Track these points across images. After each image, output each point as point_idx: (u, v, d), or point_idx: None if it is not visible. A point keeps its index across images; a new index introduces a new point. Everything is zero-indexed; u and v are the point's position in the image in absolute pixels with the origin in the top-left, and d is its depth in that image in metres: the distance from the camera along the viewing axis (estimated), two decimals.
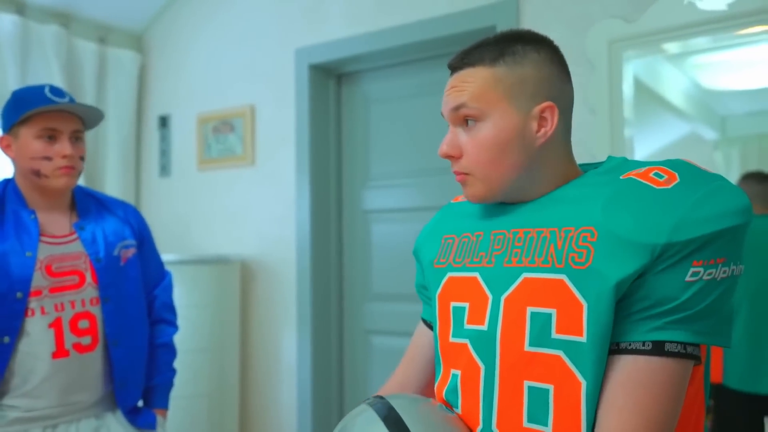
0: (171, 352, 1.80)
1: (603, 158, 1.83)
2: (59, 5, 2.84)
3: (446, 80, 1.18)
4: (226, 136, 2.88)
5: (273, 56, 2.75)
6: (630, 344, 0.80)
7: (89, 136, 2.93)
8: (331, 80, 2.71)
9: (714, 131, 1.76)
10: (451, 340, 0.96)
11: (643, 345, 0.79)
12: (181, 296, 2.45)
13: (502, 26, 2.13)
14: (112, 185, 3.04)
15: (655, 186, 0.82)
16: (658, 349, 0.79)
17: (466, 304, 0.94)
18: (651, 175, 0.84)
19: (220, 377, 2.62)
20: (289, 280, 2.66)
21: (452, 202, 1.11)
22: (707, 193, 0.81)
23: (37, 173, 1.53)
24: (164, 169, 3.11)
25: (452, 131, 0.96)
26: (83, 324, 1.58)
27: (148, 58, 3.19)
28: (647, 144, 1.79)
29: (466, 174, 0.94)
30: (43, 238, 1.57)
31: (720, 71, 1.77)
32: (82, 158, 1.59)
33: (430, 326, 1.07)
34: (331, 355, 2.66)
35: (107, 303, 1.61)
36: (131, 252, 1.70)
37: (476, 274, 0.94)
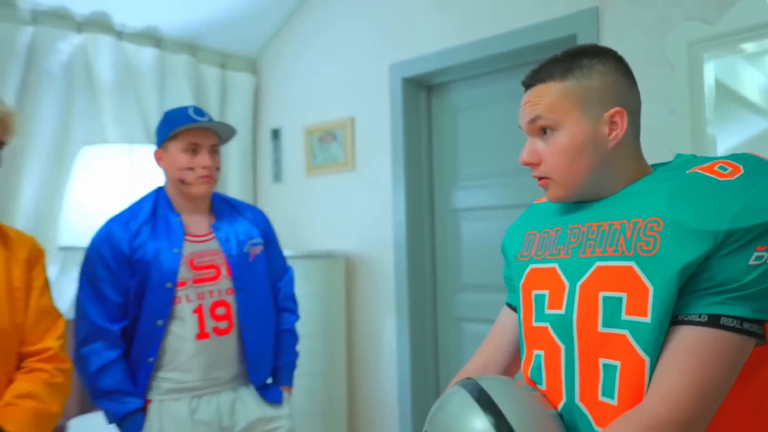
0: (294, 337, 1.88)
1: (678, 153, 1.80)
2: (188, 38, 2.99)
3: (522, 89, 1.19)
4: (329, 145, 2.94)
5: (369, 72, 2.79)
6: (687, 316, 0.80)
7: None
8: (422, 91, 2.72)
9: None
10: (534, 324, 0.98)
11: (699, 317, 0.79)
12: (295, 287, 2.57)
13: (583, 35, 2.09)
14: (234, 191, 3.16)
15: (719, 178, 0.82)
16: (713, 321, 0.78)
17: (546, 292, 0.96)
18: (716, 168, 0.84)
19: (330, 359, 2.69)
20: (388, 272, 2.69)
21: (535, 203, 1.13)
22: None
23: (183, 181, 1.65)
24: (277, 176, 3.20)
25: (530, 141, 0.98)
26: (220, 311, 1.67)
27: (261, 79, 3.29)
28: (727, 141, 1.71)
29: (547, 178, 0.97)
30: (187, 237, 1.68)
31: None
32: (218, 168, 1.70)
33: (514, 309, 1.10)
34: (426, 341, 2.68)
35: (240, 293, 1.70)
36: (258, 249, 1.78)
37: (555, 265, 0.96)
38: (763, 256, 0.78)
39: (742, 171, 0.82)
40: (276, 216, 3.17)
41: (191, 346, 1.63)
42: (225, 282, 1.69)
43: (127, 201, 2.09)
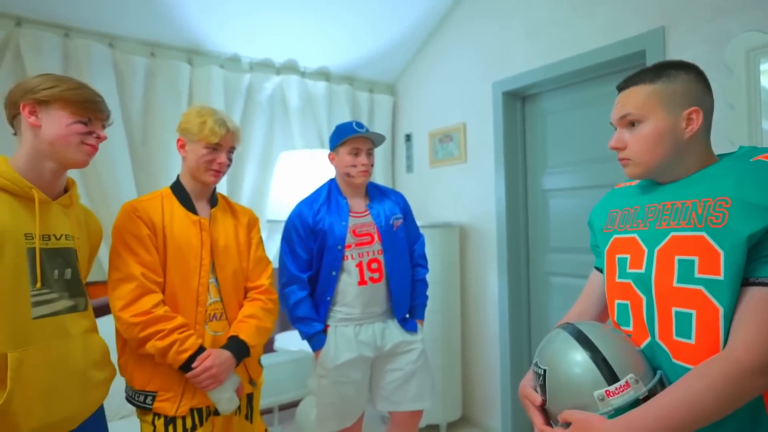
0: (424, 284, 1.91)
1: (743, 144, 1.65)
2: (347, 72, 3.06)
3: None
4: (447, 144, 2.92)
5: (477, 88, 2.76)
6: (758, 279, 0.77)
7: None
8: (517, 101, 2.66)
9: None
10: (617, 280, 0.95)
11: None
12: (425, 249, 2.59)
13: (651, 50, 1.95)
14: (379, 179, 3.20)
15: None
16: None
17: (628, 256, 0.93)
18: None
19: (448, 301, 2.68)
20: (491, 238, 2.67)
21: (615, 187, 1.09)
22: None
23: (348, 175, 1.75)
24: (409, 168, 3.20)
25: (619, 132, 0.95)
26: (374, 266, 1.75)
27: (397, 98, 3.31)
28: None
29: (628, 159, 0.93)
30: (351, 213, 1.76)
31: None
32: (372, 165, 1.79)
33: (601, 271, 1.08)
34: (521, 291, 2.64)
35: (387, 254, 1.77)
36: (399, 222, 1.83)
37: (635, 235, 0.93)
38: None
39: None
40: (409, 197, 3.19)
41: (355, 290, 1.72)
42: (377, 245, 1.76)
43: (310, 189, 2.18)
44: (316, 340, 1.69)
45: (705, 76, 0.91)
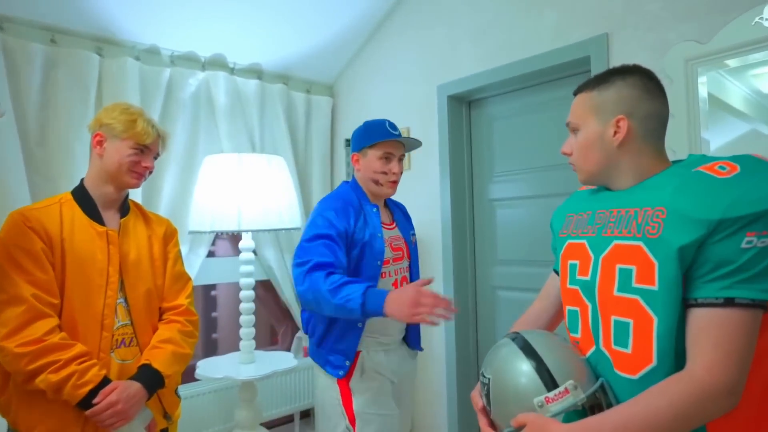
0: None
1: (682, 153, 1.75)
2: (282, 70, 3.02)
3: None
4: None
5: (421, 91, 2.78)
6: (698, 300, 0.79)
7: (301, 154, 3.10)
8: (463, 106, 2.70)
9: None
10: (568, 286, 1.01)
11: (716, 299, 0.78)
12: None
13: (595, 57, 2.04)
14: (316, 187, 3.14)
15: (716, 176, 0.81)
16: (729, 302, 0.77)
17: (577, 262, 0.99)
18: (716, 167, 0.83)
19: None
20: (437, 248, 2.68)
21: (578, 190, 1.14)
22: (760, 179, 0.79)
23: (376, 182, 1.59)
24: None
25: (569, 138, 1.02)
26: (405, 283, 1.65)
27: (336, 100, 3.30)
28: (717, 141, 1.65)
29: (573, 165, 1.01)
30: (383, 225, 1.63)
31: None
32: (401, 173, 1.64)
33: (558, 274, 1.13)
34: (468, 306, 2.66)
35: (413, 274, 1.70)
36: (415, 238, 1.77)
37: (584, 241, 0.98)
38: (752, 241, 0.76)
39: (739, 170, 0.81)
40: None
41: None
42: (406, 262, 1.68)
43: (240, 197, 2.18)
44: (372, 295, 1.29)
45: (650, 81, 0.94)
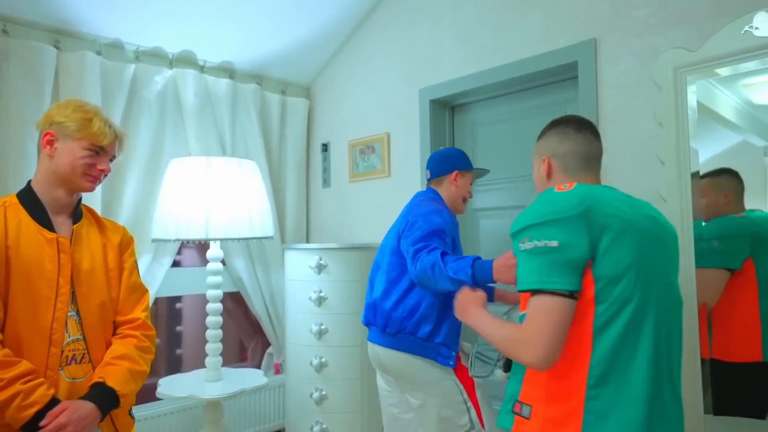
0: None
1: (671, 163, 1.77)
2: (255, 70, 3.01)
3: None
4: (368, 156, 2.93)
5: (402, 95, 2.78)
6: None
7: (275, 158, 3.09)
8: (446, 110, 2.71)
9: (763, 140, 1.61)
10: None
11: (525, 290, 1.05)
12: (340, 273, 2.53)
13: (583, 62, 2.06)
14: (291, 193, 3.15)
15: (527, 205, 1.11)
16: (530, 291, 1.03)
17: None
18: (533, 199, 1.12)
19: (364, 330, 2.61)
20: None
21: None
22: (527, 208, 1.09)
23: (464, 200, 1.95)
24: (325, 182, 3.19)
25: None
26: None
27: (313, 102, 3.30)
28: (706, 152, 1.68)
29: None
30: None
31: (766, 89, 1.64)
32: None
33: None
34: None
35: None
36: None
37: None
38: (518, 246, 1.07)
39: (532, 203, 1.10)
40: (325, 215, 3.18)
41: None
42: None
43: (208, 203, 2.15)
44: (481, 266, 1.50)
45: (568, 127, 1.25)
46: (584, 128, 1.22)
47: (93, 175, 1.36)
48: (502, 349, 1.07)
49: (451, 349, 1.71)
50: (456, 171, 1.92)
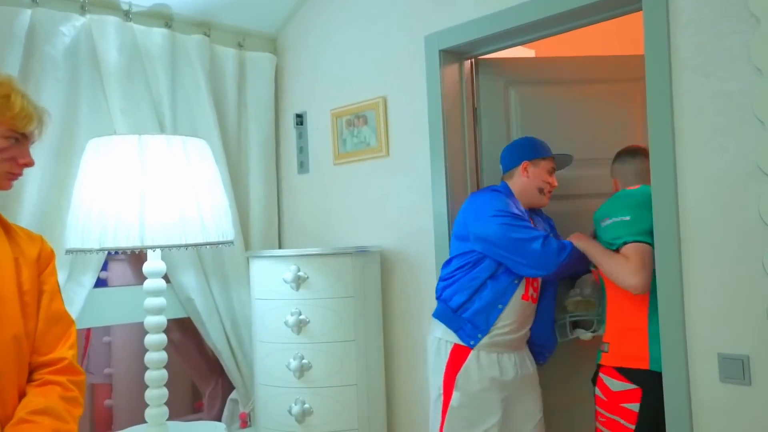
0: None
1: None
2: (201, 15, 3.00)
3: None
4: (359, 129, 2.93)
5: (402, 45, 2.76)
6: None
7: (233, 136, 3.11)
8: (463, 65, 2.67)
9: None
10: None
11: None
12: (325, 288, 2.58)
13: None
14: (256, 184, 3.17)
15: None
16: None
17: None
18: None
19: (366, 367, 2.68)
20: (429, 268, 2.66)
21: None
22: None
23: (541, 191, 2.33)
24: (302, 166, 3.21)
25: None
26: (535, 284, 2.34)
27: (282, 58, 3.30)
28: None
29: None
30: None
31: None
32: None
33: None
34: None
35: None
36: None
37: None
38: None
39: None
40: (305, 208, 3.21)
41: (518, 302, 2.30)
42: None
43: (138, 200, 2.17)
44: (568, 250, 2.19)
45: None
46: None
47: (15, 173, 1.42)
48: (610, 273, 2.07)
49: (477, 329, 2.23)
50: (525, 161, 2.32)
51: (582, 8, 2.19)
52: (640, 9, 2.09)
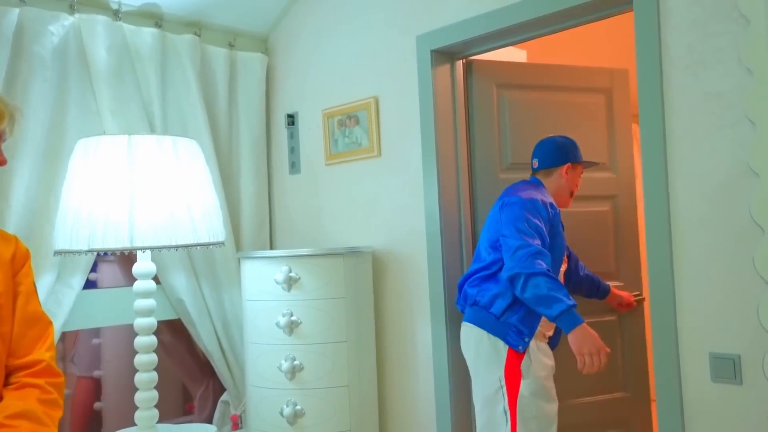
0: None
1: (765, 125, 1.72)
2: (191, 15, 3.00)
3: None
4: (351, 129, 2.93)
5: (394, 45, 2.76)
6: None
7: (224, 136, 3.11)
8: (455, 65, 2.67)
9: None
10: None
11: None
12: (317, 289, 2.58)
13: None
14: (247, 184, 3.17)
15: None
16: None
17: None
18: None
19: (358, 368, 2.67)
20: (421, 269, 2.66)
21: None
22: None
23: (572, 194, 2.39)
24: (294, 166, 3.20)
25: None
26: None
27: (273, 58, 3.30)
28: None
29: None
30: None
31: None
32: None
33: None
34: None
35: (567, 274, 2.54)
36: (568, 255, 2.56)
37: None
38: None
39: None
40: (296, 209, 3.20)
41: None
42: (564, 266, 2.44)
43: (128, 201, 2.17)
44: (571, 315, 2.04)
45: None
46: None
47: None
48: None
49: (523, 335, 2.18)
50: (569, 164, 2.34)
51: (573, 8, 2.20)
52: (631, 9, 2.11)
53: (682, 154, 1.93)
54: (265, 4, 3.13)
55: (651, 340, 2.03)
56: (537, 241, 2.12)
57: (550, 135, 2.47)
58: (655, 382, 1.96)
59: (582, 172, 2.41)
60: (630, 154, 2.84)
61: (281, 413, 2.54)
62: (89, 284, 2.72)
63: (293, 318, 2.55)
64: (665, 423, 1.95)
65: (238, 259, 2.89)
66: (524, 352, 2.17)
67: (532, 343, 2.19)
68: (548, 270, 2.07)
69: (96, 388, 3.16)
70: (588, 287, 2.61)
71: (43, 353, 1.44)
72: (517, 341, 2.16)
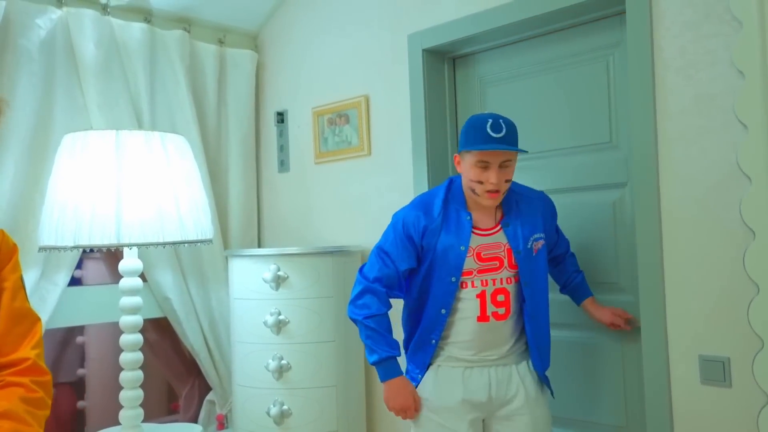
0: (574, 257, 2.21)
1: (757, 128, 1.72)
2: (181, 10, 3.00)
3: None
4: (341, 128, 2.94)
5: (385, 44, 2.76)
6: None
7: (212, 133, 3.12)
8: (445, 63, 2.69)
9: None
10: None
11: None
12: (305, 288, 2.59)
13: None
14: (236, 182, 3.18)
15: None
16: None
17: None
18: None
19: (346, 368, 2.68)
20: None
21: None
22: None
23: (473, 191, 1.89)
24: (283, 164, 3.20)
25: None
26: (500, 298, 1.93)
27: (263, 55, 3.30)
28: None
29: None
30: (475, 231, 1.94)
31: None
32: (507, 181, 1.88)
33: None
34: None
35: (527, 287, 1.94)
36: (540, 244, 1.98)
37: None
38: None
39: None
40: (285, 208, 3.20)
41: (472, 327, 1.93)
42: (506, 272, 1.95)
43: (114, 196, 2.18)
44: (385, 367, 1.95)
45: None
46: None
47: None
48: None
49: (417, 369, 2.01)
50: (456, 154, 1.98)
51: (565, 10, 2.20)
52: (623, 11, 2.11)
53: (674, 156, 1.94)
54: (255, 0, 3.13)
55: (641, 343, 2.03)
56: (386, 270, 1.94)
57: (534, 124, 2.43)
58: (645, 384, 1.95)
59: (488, 162, 1.82)
60: None
61: (268, 413, 2.54)
62: (74, 281, 2.72)
63: (281, 317, 2.56)
64: (654, 425, 1.95)
65: (226, 257, 2.90)
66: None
67: (429, 375, 1.97)
68: (369, 314, 1.92)
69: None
70: (564, 282, 2.22)
71: (29, 351, 1.41)
72: (413, 377, 2.01)
